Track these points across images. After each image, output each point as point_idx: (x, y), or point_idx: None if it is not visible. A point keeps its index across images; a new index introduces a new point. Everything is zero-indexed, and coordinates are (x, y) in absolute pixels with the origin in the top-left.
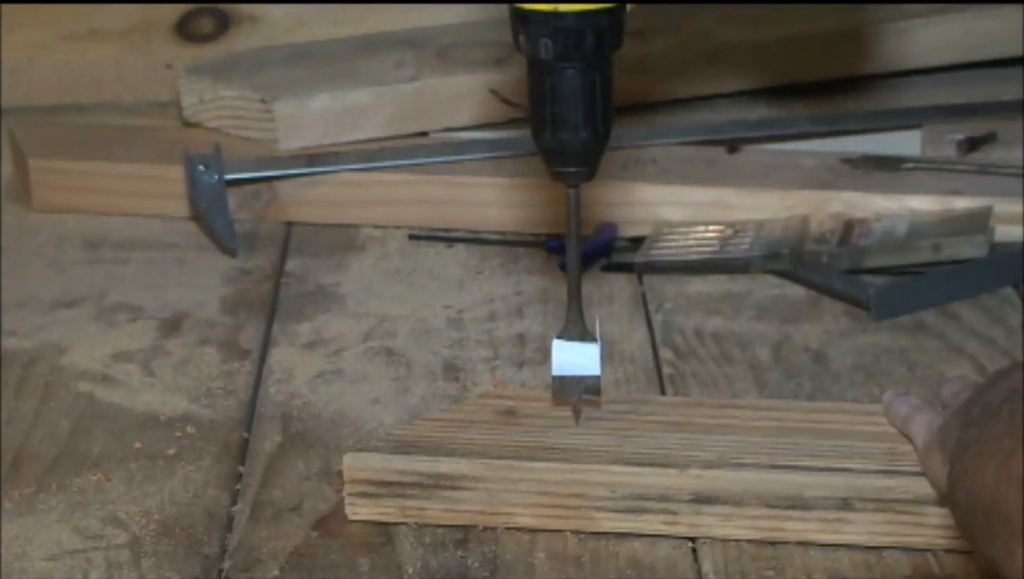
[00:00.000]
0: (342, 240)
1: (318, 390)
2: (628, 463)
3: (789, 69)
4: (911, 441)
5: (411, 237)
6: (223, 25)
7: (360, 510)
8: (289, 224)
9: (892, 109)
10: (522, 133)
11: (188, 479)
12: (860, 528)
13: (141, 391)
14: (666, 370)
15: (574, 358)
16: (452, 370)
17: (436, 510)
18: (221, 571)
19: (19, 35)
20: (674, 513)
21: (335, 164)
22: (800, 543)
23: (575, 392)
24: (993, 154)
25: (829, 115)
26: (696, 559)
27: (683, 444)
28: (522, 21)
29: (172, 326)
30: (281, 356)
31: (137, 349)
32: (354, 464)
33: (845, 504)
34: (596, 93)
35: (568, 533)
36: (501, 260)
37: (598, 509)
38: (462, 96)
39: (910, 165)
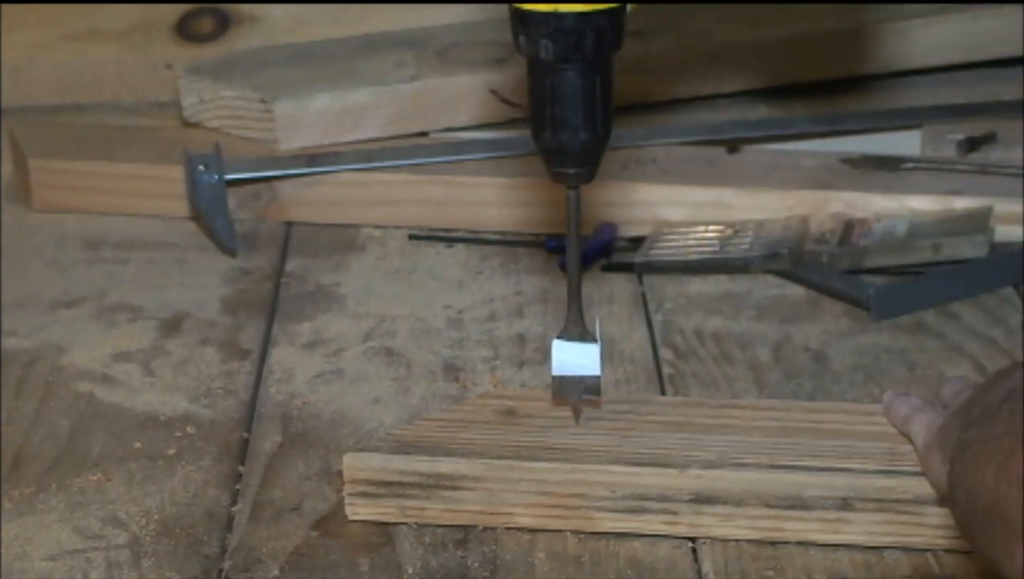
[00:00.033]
0: (342, 240)
1: (318, 390)
2: (628, 463)
3: (789, 69)
4: (911, 441)
5: (411, 237)
6: (223, 25)
7: (360, 510)
8: (289, 224)
9: (892, 109)
10: (522, 133)
11: (188, 479)
12: (860, 528)
13: (141, 391)
14: (666, 370)
15: (574, 358)
16: (452, 370)
17: (436, 510)
18: (221, 571)
19: (19, 35)
20: (674, 513)
21: (335, 164)
22: (800, 543)
23: (575, 392)
24: (993, 154)
25: (829, 115)
26: (696, 559)
27: (683, 444)
28: (522, 22)
29: (172, 326)
30: (281, 356)
31: (137, 349)
32: (354, 464)
33: (845, 504)
34: (596, 94)
35: (568, 533)
36: (501, 260)
37: (598, 509)
38: (462, 96)
39: (910, 165)
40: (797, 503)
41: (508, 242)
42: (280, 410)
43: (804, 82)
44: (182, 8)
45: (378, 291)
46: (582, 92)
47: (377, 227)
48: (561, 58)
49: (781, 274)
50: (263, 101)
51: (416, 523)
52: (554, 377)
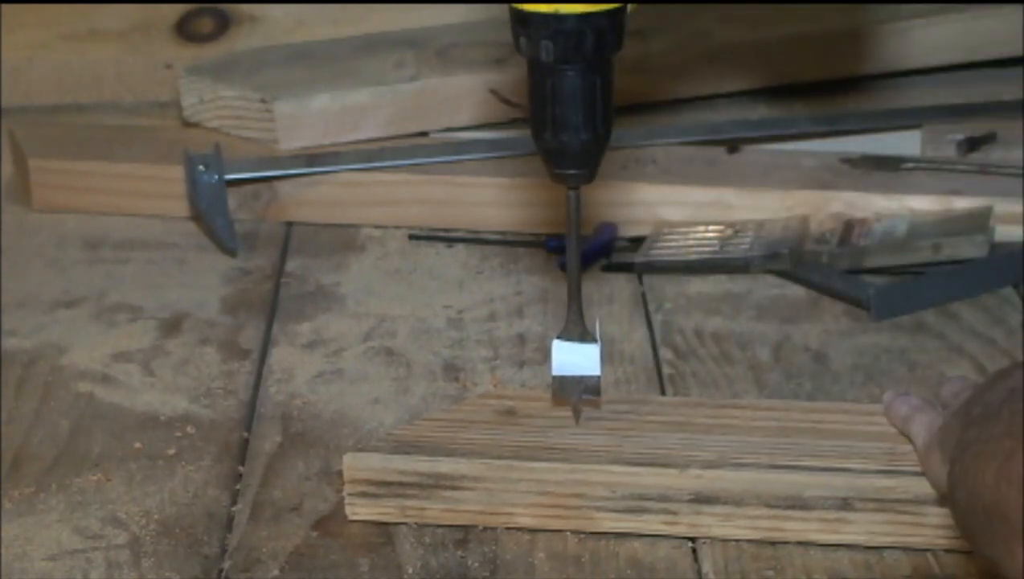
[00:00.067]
0: (342, 240)
1: (318, 390)
2: (628, 463)
3: (789, 69)
4: (911, 441)
5: (411, 237)
6: (223, 25)
7: (360, 510)
8: (289, 224)
9: (892, 109)
10: (522, 133)
11: (188, 479)
12: (860, 528)
13: (141, 391)
14: (666, 370)
15: (574, 358)
16: (452, 370)
17: (436, 510)
18: (221, 571)
19: (19, 35)
20: (674, 513)
21: (335, 164)
22: (800, 543)
23: (575, 392)
24: (993, 154)
25: (829, 115)
26: (696, 559)
27: (683, 444)
28: (523, 23)
29: (172, 326)
30: (281, 356)
31: (137, 349)
32: (354, 464)
33: (845, 504)
34: (596, 95)
35: (568, 533)
36: (501, 260)
37: (598, 509)
38: (462, 96)
39: (910, 165)
40: (797, 503)
41: (508, 242)
42: (280, 410)
43: (804, 82)
44: (182, 8)
45: (378, 291)
46: (582, 93)
47: (377, 227)
48: (561, 59)
49: (781, 274)
50: (263, 101)
51: (416, 523)
52: (554, 377)
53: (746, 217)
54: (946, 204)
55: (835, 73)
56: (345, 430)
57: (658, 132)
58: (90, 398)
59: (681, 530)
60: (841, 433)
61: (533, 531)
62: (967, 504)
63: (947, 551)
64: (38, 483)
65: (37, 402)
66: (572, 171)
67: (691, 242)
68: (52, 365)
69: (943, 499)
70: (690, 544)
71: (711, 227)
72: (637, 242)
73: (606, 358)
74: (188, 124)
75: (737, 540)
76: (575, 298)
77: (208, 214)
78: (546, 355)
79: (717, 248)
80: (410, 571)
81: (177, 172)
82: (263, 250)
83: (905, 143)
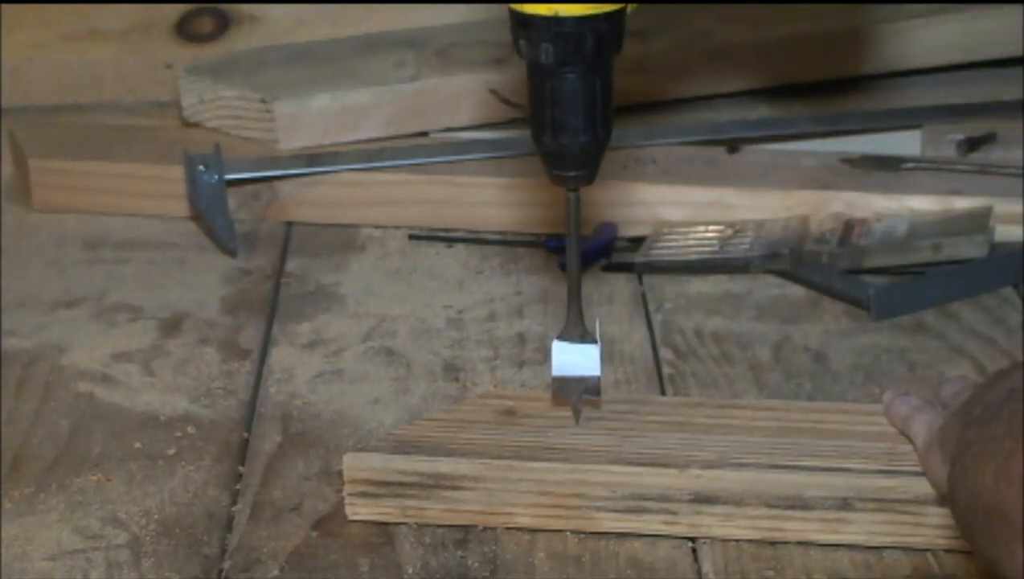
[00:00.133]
0: (342, 240)
1: (318, 390)
2: (628, 463)
3: (789, 69)
4: (911, 441)
5: (411, 237)
6: (223, 25)
7: (360, 510)
8: (289, 224)
9: (892, 109)
10: (522, 133)
11: (188, 479)
12: (860, 528)
13: (141, 391)
14: (666, 370)
15: (574, 359)
16: (452, 370)
17: (436, 510)
18: (221, 571)
19: (19, 35)
20: (674, 513)
21: (335, 164)
22: (800, 543)
23: (575, 392)
24: (993, 154)
25: (829, 115)
26: (696, 559)
27: (683, 444)
28: (522, 26)
29: (172, 326)
30: (281, 356)
31: (137, 349)
32: (354, 464)
33: (845, 504)
34: (596, 97)
35: (568, 533)
36: (501, 260)
37: (598, 509)
38: (462, 96)
39: (910, 165)
40: (797, 503)
41: (508, 242)
42: (280, 410)
43: (804, 82)
44: (182, 8)
45: (378, 291)
46: (582, 95)
47: (377, 227)
48: (561, 62)
49: (781, 274)
50: (263, 101)
51: (416, 523)
52: (554, 377)
53: (746, 217)
54: (946, 204)
55: (835, 73)
56: (345, 430)
57: (658, 132)
58: (90, 398)
59: (681, 530)
60: (841, 433)
61: (533, 531)
62: (967, 504)
63: (947, 551)
64: (38, 483)
65: (37, 402)
66: (572, 173)
67: (691, 242)
68: (52, 365)
69: (943, 499)
70: (690, 544)
71: (711, 227)
72: (637, 242)
73: (606, 358)
74: (188, 124)
75: (737, 540)
76: (575, 298)
77: (208, 214)
78: (546, 355)
79: (717, 248)
80: (410, 571)
81: (177, 172)
82: (263, 250)
83: (905, 143)
